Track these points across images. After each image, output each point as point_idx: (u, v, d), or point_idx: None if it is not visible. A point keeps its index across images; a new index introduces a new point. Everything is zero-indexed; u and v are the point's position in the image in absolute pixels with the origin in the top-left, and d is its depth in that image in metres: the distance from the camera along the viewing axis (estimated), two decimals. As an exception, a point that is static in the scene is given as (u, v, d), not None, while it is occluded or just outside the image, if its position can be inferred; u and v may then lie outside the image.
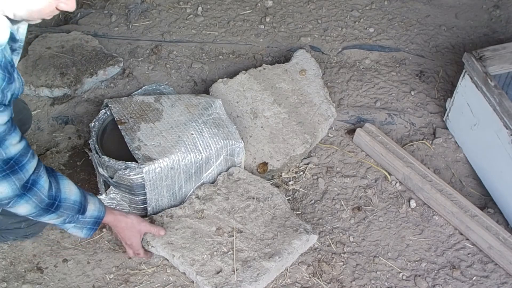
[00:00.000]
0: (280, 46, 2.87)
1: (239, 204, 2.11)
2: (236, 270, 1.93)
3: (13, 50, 1.58)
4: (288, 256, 2.00)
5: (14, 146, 1.57)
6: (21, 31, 1.60)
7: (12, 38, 1.53)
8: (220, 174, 2.20)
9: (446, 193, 2.20)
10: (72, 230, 1.85)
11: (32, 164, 1.63)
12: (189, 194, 2.16)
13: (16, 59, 1.62)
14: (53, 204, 1.71)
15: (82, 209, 1.80)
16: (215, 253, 1.97)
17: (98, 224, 1.87)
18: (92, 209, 1.84)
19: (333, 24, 2.98)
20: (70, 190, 1.77)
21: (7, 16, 1.44)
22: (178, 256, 1.96)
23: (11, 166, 1.57)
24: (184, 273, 1.99)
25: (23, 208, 1.67)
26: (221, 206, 2.11)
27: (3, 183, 1.58)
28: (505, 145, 2.14)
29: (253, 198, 2.14)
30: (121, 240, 2.00)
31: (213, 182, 2.20)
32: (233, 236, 2.02)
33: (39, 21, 1.51)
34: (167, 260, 2.02)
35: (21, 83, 1.58)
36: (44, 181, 1.67)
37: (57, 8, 1.45)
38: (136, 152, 2.04)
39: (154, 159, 2.01)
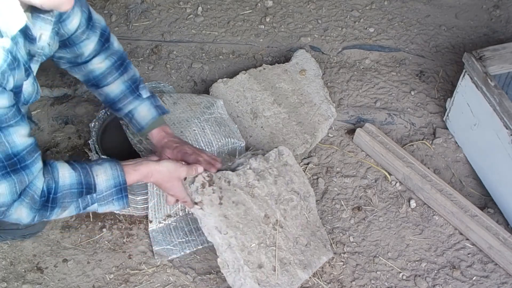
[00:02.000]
0: (280, 46, 2.87)
1: (284, 194, 1.97)
2: (276, 270, 1.84)
3: (31, 55, 1.49)
4: (313, 270, 1.97)
5: (20, 137, 1.41)
6: (44, 38, 1.52)
7: (29, 37, 1.44)
8: (271, 151, 2.03)
9: (446, 193, 2.21)
10: (102, 209, 1.65)
11: (37, 167, 1.47)
12: (241, 159, 2.01)
13: (34, 67, 1.53)
14: (48, 200, 1.53)
15: (87, 189, 1.59)
16: (262, 244, 1.84)
17: (124, 190, 1.65)
18: (104, 179, 1.62)
19: (333, 24, 2.98)
20: (63, 175, 1.56)
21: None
22: (231, 235, 1.79)
23: (13, 164, 1.40)
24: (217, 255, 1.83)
25: (19, 213, 1.49)
26: (270, 189, 1.94)
27: (2, 183, 1.40)
28: (505, 145, 2.14)
29: (296, 193, 2.00)
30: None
31: (259, 155, 2.00)
32: (276, 229, 1.90)
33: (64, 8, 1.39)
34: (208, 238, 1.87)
35: (35, 91, 1.50)
36: (37, 178, 1.50)
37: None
38: (138, 146, 2.04)
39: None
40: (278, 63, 2.67)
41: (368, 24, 2.99)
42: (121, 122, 2.13)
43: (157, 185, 1.80)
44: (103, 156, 2.02)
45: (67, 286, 1.97)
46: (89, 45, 1.78)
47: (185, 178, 1.82)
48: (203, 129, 2.13)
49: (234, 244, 1.80)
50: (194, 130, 2.13)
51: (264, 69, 2.59)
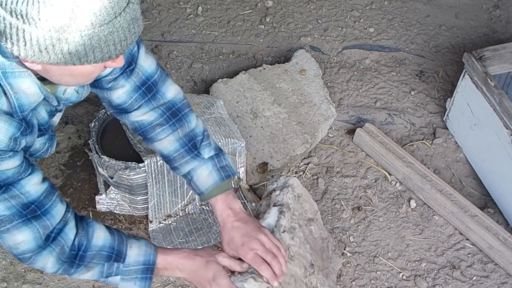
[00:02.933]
0: (280, 46, 2.87)
1: (306, 230, 1.79)
2: None
3: (57, 110, 1.44)
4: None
5: (34, 186, 1.34)
6: (69, 91, 1.42)
7: (49, 103, 1.39)
8: (284, 189, 1.77)
9: (446, 193, 2.21)
10: (124, 285, 1.50)
11: (58, 209, 1.38)
12: (269, 218, 1.73)
13: (59, 115, 1.50)
14: (76, 256, 1.43)
15: (116, 256, 1.47)
16: None
17: (150, 271, 1.49)
18: (135, 253, 1.49)
19: (333, 24, 2.98)
20: (98, 236, 1.46)
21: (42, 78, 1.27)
22: None
23: (32, 211, 1.33)
24: None
25: (45, 261, 1.40)
26: (300, 237, 1.73)
27: (24, 230, 1.33)
28: (505, 145, 2.14)
29: (311, 220, 1.84)
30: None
31: (282, 205, 1.74)
32: (313, 274, 1.72)
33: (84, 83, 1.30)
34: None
35: (44, 149, 1.44)
36: (69, 228, 1.41)
37: (105, 67, 1.26)
38: (138, 146, 2.04)
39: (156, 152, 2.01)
40: (278, 63, 2.68)
41: (368, 24, 2.98)
42: (121, 122, 2.13)
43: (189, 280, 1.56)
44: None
45: (67, 286, 1.97)
46: (119, 93, 1.56)
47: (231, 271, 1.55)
48: (203, 129, 2.13)
49: None
50: (194, 130, 2.13)
51: (264, 69, 2.59)
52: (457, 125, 2.45)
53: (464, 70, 2.31)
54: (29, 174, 1.33)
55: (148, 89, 1.56)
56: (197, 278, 1.52)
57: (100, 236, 1.47)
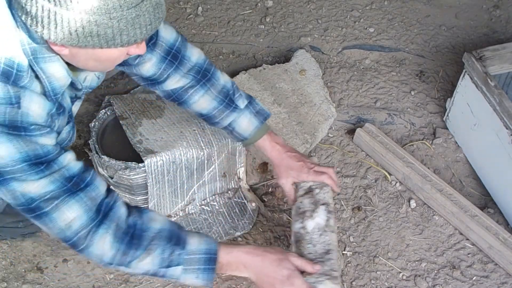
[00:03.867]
0: (280, 46, 2.87)
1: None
2: None
3: (77, 97, 1.48)
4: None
5: (72, 161, 1.38)
6: (89, 78, 1.48)
7: (74, 88, 1.43)
8: (324, 188, 1.79)
9: (446, 193, 2.21)
10: (185, 278, 1.44)
11: (100, 181, 1.41)
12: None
13: (78, 104, 1.53)
14: (133, 235, 1.40)
15: (176, 239, 1.43)
16: None
17: (213, 262, 1.44)
18: (197, 241, 1.45)
19: (333, 24, 2.98)
20: (154, 218, 1.45)
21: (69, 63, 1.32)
22: None
23: (75, 184, 1.36)
24: None
25: (103, 242, 1.38)
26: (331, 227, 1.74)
27: (72, 204, 1.35)
28: (505, 145, 2.14)
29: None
30: None
31: (326, 204, 1.76)
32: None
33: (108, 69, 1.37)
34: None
35: (69, 138, 1.46)
36: (120, 204, 1.42)
37: (128, 54, 1.32)
38: (138, 145, 2.04)
39: (156, 152, 2.01)
40: (278, 63, 2.68)
41: (368, 24, 2.99)
42: (121, 122, 2.13)
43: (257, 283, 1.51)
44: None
45: (67, 286, 1.98)
46: (147, 66, 1.65)
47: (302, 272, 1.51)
48: (203, 129, 2.13)
49: None
50: (194, 130, 2.13)
51: (264, 69, 2.60)
52: (457, 125, 2.45)
53: (464, 70, 2.32)
54: (64, 152, 1.37)
55: (173, 57, 1.66)
56: (266, 277, 1.47)
57: (156, 219, 1.44)
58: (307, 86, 2.54)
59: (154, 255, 1.41)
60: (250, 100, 1.80)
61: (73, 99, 1.48)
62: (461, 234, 2.19)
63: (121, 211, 1.42)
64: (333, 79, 2.72)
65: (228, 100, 1.75)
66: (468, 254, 2.15)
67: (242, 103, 1.77)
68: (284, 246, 2.12)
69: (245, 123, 1.78)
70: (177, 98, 1.75)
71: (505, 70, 2.27)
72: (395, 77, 2.74)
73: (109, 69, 1.40)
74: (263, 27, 2.95)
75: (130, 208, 1.46)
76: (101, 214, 1.38)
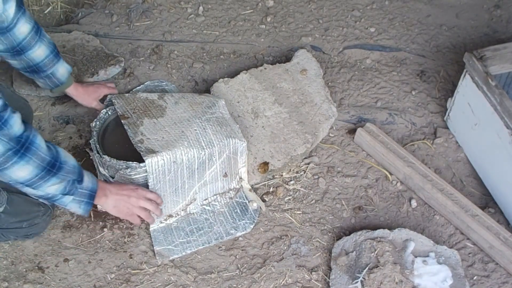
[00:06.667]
0: (281, 46, 2.87)
1: None
2: None
3: None
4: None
5: None
6: None
7: None
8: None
9: (447, 192, 2.21)
10: (71, 206, 1.83)
11: (15, 120, 1.63)
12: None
13: None
14: (54, 165, 1.71)
15: (80, 176, 1.81)
16: None
17: (92, 198, 1.86)
18: (88, 180, 1.85)
19: (334, 24, 2.98)
20: (67, 155, 1.78)
21: None
22: None
23: None
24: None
25: (24, 170, 1.65)
26: None
27: None
28: (506, 145, 2.14)
29: None
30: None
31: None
32: None
33: None
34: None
35: None
36: (40, 140, 1.69)
37: None
38: (139, 145, 2.04)
39: (157, 151, 2.01)
40: (279, 63, 2.67)
41: (369, 24, 2.99)
42: (122, 121, 2.13)
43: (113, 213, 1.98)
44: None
45: (68, 285, 1.98)
46: (11, 9, 1.93)
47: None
48: (204, 129, 2.14)
49: None
50: (195, 130, 2.13)
51: (265, 68, 2.60)
52: (458, 125, 2.45)
53: (465, 70, 2.32)
54: None
55: (21, 2, 1.99)
56: (120, 190, 1.93)
57: (69, 156, 1.79)
58: (308, 86, 2.54)
59: (61, 185, 1.74)
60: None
61: None
62: (462, 233, 2.19)
63: (41, 144, 1.68)
64: (334, 78, 2.72)
65: (56, 50, 2.15)
66: (469, 253, 2.15)
67: (58, 53, 2.18)
68: (285, 246, 2.13)
69: (62, 69, 2.20)
70: (21, 49, 2.03)
71: (505, 70, 2.27)
72: (396, 77, 2.74)
73: None
74: (264, 27, 2.95)
75: (47, 142, 1.73)
76: (23, 147, 1.63)
